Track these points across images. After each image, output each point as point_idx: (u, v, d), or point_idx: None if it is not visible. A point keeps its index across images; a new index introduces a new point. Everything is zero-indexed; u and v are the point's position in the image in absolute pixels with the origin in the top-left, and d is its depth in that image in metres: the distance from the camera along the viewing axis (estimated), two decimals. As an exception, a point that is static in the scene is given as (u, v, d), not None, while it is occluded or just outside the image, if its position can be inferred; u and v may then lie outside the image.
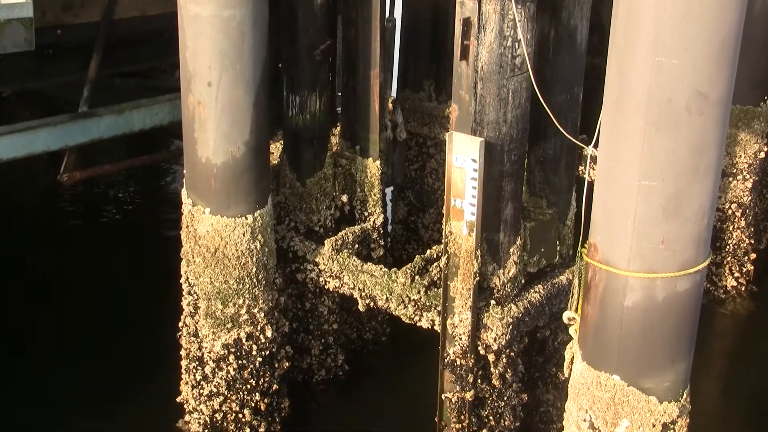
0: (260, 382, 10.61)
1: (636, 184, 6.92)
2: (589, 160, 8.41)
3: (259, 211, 10.02)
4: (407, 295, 10.02)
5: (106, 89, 12.84)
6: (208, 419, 10.72)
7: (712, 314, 13.33)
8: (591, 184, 7.64)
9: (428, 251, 10.37)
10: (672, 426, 7.63)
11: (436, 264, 10.07)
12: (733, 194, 13.56)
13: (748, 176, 13.52)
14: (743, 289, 14.19)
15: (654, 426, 7.55)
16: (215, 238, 9.95)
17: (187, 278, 10.38)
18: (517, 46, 8.76)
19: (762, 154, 13.54)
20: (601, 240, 7.38)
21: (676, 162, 6.80)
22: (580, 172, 11.08)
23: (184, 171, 10.16)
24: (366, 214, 11.29)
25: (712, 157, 6.92)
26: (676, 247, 7.05)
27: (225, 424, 10.73)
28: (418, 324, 10.15)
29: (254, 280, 10.18)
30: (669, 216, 6.94)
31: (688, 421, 7.79)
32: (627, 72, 6.80)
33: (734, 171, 13.45)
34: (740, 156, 13.39)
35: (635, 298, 7.23)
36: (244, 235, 9.95)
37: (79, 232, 15.84)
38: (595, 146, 7.55)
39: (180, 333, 10.71)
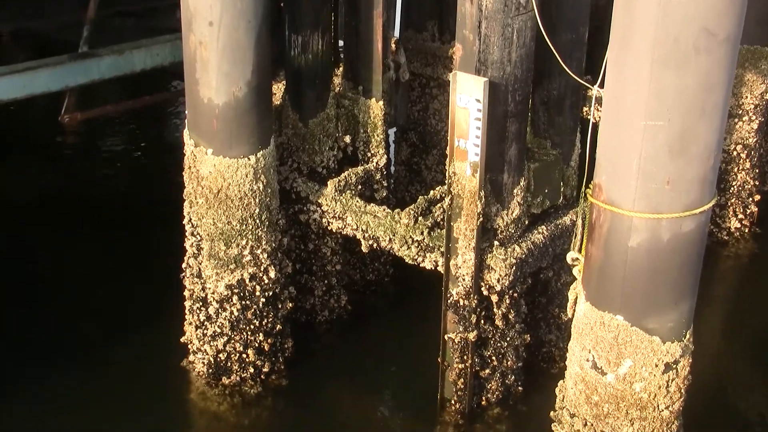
0: (264, 323, 10.65)
1: (642, 123, 6.86)
2: (594, 101, 8.37)
3: (261, 152, 9.97)
4: (410, 236, 10.01)
5: (104, 30, 12.72)
6: (212, 359, 10.78)
7: (715, 256, 13.33)
8: (596, 125, 7.58)
9: (431, 192, 10.34)
10: (674, 366, 7.65)
11: (439, 205, 10.05)
12: (738, 135, 13.47)
13: (753, 117, 13.42)
14: (747, 231, 14.16)
15: (657, 366, 7.58)
16: (218, 179, 9.92)
17: (190, 219, 10.37)
18: (522, -16, 8.64)
19: (768, 95, 13.44)
20: (605, 180, 7.34)
21: (683, 101, 6.74)
22: (585, 113, 11.02)
23: (186, 112, 10.09)
24: (369, 155, 11.24)
25: (720, 96, 6.85)
26: (682, 188, 7.01)
27: (229, 364, 10.79)
28: (421, 265, 10.15)
29: (257, 221, 10.16)
30: (675, 156, 6.89)
31: (690, 361, 7.82)
32: (634, 9, 6.71)
33: (740, 112, 13.34)
34: (746, 97, 13.27)
35: (640, 239, 7.21)
36: (246, 176, 9.92)
37: (80, 174, 15.78)
38: (601, 86, 7.49)
39: (183, 274, 10.73)
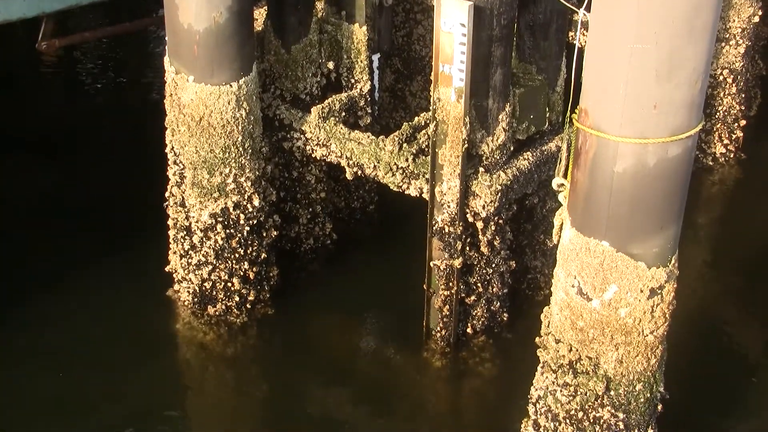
0: (248, 251, 10.61)
1: (629, 47, 6.75)
2: (580, 25, 8.23)
3: (243, 79, 9.83)
4: (395, 163, 9.94)
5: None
6: (197, 288, 10.76)
7: (700, 182, 13.31)
8: (582, 49, 7.47)
9: (416, 118, 10.24)
10: (659, 291, 7.66)
11: (424, 131, 9.96)
12: (725, 60, 13.36)
13: (741, 41, 13.29)
14: (732, 156, 14.13)
15: (642, 291, 7.58)
16: (200, 107, 9.80)
17: (173, 147, 10.27)
18: None
19: (756, 19, 13.27)
20: (591, 105, 7.25)
21: (671, 24, 6.62)
22: (571, 38, 10.87)
23: (167, 38, 9.93)
24: (353, 81, 11.11)
25: (708, 18, 6.73)
26: (669, 112, 6.93)
27: (214, 292, 10.77)
28: (406, 192, 10.10)
29: (240, 148, 10.07)
30: (662, 80, 6.80)
31: (675, 286, 7.82)
32: (622, -70, 6.57)
33: (727, 36, 13.21)
34: (733, 20, 13.13)
35: (626, 164, 7.15)
36: (228, 103, 9.80)
37: (62, 101, 15.59)
38: (587, 10, 7.36)
39: (167, 203, 10.65)
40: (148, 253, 11.30)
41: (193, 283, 10.74)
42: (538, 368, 8.53)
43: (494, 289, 10.42)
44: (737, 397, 10.17)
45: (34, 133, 14.21)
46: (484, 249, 10.02)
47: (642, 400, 8.21)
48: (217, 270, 10.61)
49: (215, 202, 10.24)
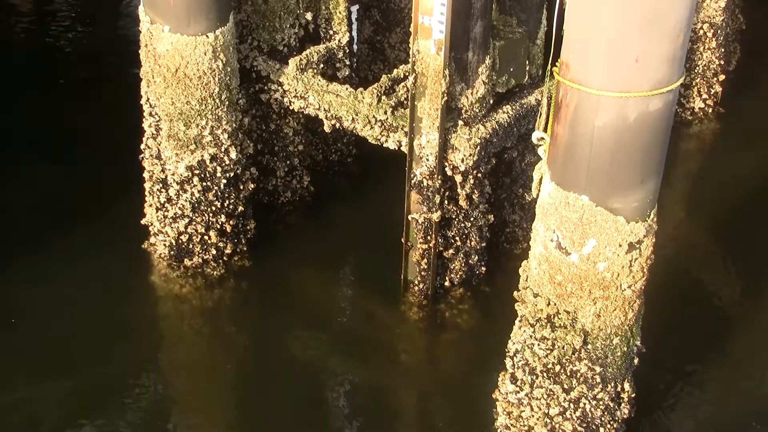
0: (225, 204, 10.55)
1: (611, -1, 6.69)
2: (561, -24, 8.14)
3: (220, 29, 9.70)
4: (374, 116, 9.87)
5: None
6: (173, 241, 10.69)
7: (678, 136, 13.27)
8: (563, 2, 7.39)
9: (395, 71, 10.16)
10: (638, 245, 7.66)
11: (403, 84, 9.88)
12: (705, 14, 13.29)
13: (721, -5, 13.24)
14: (710, 110, 14.12)
15: (620, 246, 7.57)
16: (175, 58, 9.67)
17: (148, 99, 10.14)
18: None
19: (736, -28, 13.24)
20: (573, 58, 7.19)
21: (654, -24, 6.56)
22: (552, -10, 10.78)
23: (141, -14, 9.79)
24: (331, 32, 10.99)
25: (691, -29, 6.68)
26: (651, 65, 6.88)
27: (191, 245, 10.71)
28: (384, 145, 10.05)
29: (217, 100, 9.96)
30: (644, 32, 6.74)
31: (653, 240, 7.82)
32: None
33: (707, -10, 13.16)
34: (714, -26, 13.08)
35: (606, 118, 7.11)
36: (205, 54, 9.67)
37: (35, 53, 15.36)
38: (569, -40, 7.27)
39: (142, 155, 10.54)
40: (123, 206, 11.19)
41: (169, 236, 10.67)
42: (516, 322, 8.54)
43: (472, 243, 10.41)
44: (713, 351, 10.24)
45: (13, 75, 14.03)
46: (462, 202, 9.99)
47: (619, 353, 8.24)
48: (194, 223, 10.54)
49: (192, 154, 10.14)
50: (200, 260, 10.81)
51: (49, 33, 15.90)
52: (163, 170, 10.34)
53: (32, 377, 9.64)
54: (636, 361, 8.50)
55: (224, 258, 10.89)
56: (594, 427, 8.54)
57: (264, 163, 11.42)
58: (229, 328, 10.59)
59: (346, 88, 10.21)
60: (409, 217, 10.08)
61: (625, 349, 8.27)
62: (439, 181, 9.71)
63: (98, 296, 10.52)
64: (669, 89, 7.08)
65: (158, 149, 10.28)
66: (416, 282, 10.52)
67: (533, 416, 8.66)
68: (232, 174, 10.45)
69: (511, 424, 8.92)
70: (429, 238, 10.08)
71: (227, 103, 10.07)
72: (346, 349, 10.26)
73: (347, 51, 11.12)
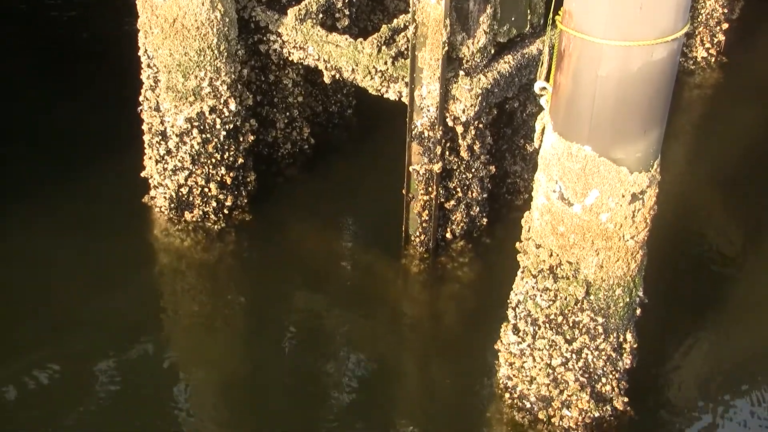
0: (225, 156, 10.48)
1: (615, -55, 6.58)
2: None
3: (218, -21, 9.59)
4: (374, 66, 9.77)
5: None
6: (173, 194, 10.65)
7: (680, 85, 13.20)
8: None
9: (395, 21, 10.04)
10: (641, 196, 7.61)
11: (403, 34, 9.77)
12: (709, -39, 13.17)
13: (725, -58, 13.09)
14: (713, 60, 14.01)
15: (623, 196, 7.53)
16: (173, 8, 9.55)
17: (146, 50, 10.04)
18: None
19: None
20: (576, 7, 7.09)
21: None
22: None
23: (137, -64, 9.65)
24: (330, -18, 10.86)
25: None
26: (655, 14, 6.78)
27: (191, 198, 10.67)
28: (384, 96, 9.96)
29: (215, 51, 9.86)
30: (649, -20, 6.64)
31: (656, 191, 7.77)
32: None
33: (711, -64, 13.00)
34: None
35: (610, 67, 7.02)
36: (203, 4, 9.55)
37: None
38: None
39: (141, 107, 10.46)
40: (123, 158, 11.12)
41: (169, 188, 10.62)
42: (518, 273, 8.52)
43: (473, 194, 10.37)
44: (715, 302, 10.25)
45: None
46: (463, 153, 9.93)
47: (621, 304, 8.23)
48: (194, 175, 10.49)
49: (191, 106, 10.06)
50: (200, 213, 10.77)
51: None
52: (162, 122, 10.27)
53: (31, 331, 9.64)
54: (638, 311, 8.49)
55: (224, 210, 10.85)
56: (596, 377, 8.56)
57: (263, 114, 11.34)
58: (229, 283, 10.58)
59: (346, 38, 10.10)
60: (410, 169, 10.02)
61: (628, 299, 8.26)
62: (440, 132, 9.64)
63: (99, 250, 10.49)
64: (673, 38, 6.99)
65: (157, 101, 10.20)
66: (417, 234, 10.49)
67: (535, 367, 8.67)
68: (231, 126, 10.37)
69: (513, 375, 8.93)
70: (430, 189, 10.03)
71: (226, 54, 9.97)
72: (347, 301, 10.26)
73: (346, 1, 10.98)
